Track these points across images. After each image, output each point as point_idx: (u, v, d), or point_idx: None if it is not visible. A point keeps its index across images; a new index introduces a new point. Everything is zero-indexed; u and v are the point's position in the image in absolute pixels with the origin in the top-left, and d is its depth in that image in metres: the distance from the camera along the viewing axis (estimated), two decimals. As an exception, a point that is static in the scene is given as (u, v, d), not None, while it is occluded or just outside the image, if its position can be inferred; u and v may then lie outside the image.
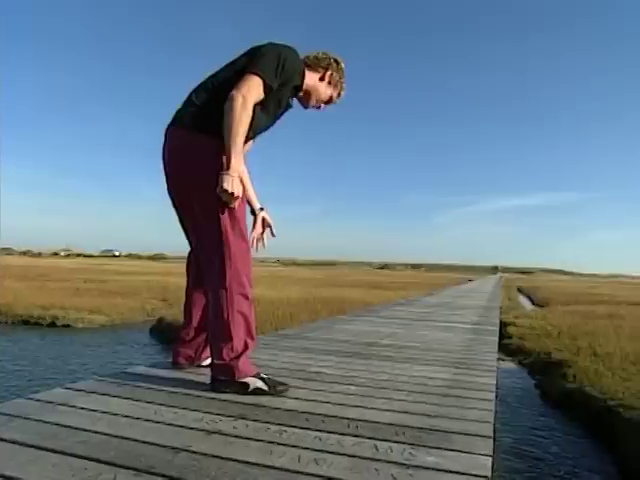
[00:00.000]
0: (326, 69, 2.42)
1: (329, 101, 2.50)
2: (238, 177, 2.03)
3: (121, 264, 73.36)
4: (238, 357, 2.08)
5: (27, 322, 11.92)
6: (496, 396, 2.32)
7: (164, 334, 10.59)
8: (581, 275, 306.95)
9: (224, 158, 2.04)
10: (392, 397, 2.14)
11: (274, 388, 2.09)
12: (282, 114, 2.43)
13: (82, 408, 1.74)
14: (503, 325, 10.95)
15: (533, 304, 26.23)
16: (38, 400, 1.81)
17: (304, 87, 2.39)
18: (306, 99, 2.44)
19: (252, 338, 2.18)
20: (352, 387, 2.31)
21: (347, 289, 22.87)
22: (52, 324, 11.78)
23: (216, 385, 2.09)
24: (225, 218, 2.12)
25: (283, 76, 2.17)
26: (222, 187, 2.00)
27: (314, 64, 2.42)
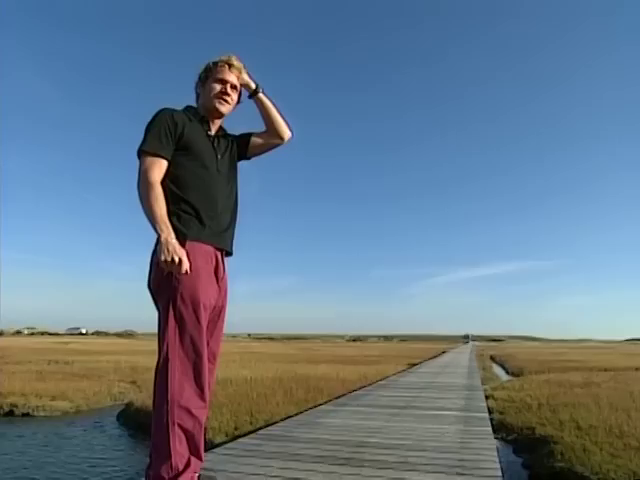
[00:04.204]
0: (195, 86, 2.47)
1: (221, 81, 2.38)
2: (171, 242, 1.95)
3: (88, 342, 70.68)
4: (177, 476, 1.92)
5: (-19, 412, 11.11)
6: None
7: (133, 420, 10.03)
8: (550, 341, 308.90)
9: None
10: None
11: None
12: (222, 143, 2.41)
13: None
14: (483, 399, 10.74)
15: (507, 373, 26.03)
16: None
17: (203, 112, 2.39)
18: (216, 112, 2.40)
19: (198, 457, 2.03)
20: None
21: (321, 365, 22.34)
22: (10, 413, 11.02)
23: None
24: (172, 329, 2.01)
25: (170, 132, 2.16)
26: (160, 260, 1.94)
27: (196, 95, 2.47)
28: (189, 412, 1.98)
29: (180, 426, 1.95)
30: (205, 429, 2.13)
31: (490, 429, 4.56)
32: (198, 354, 2.03)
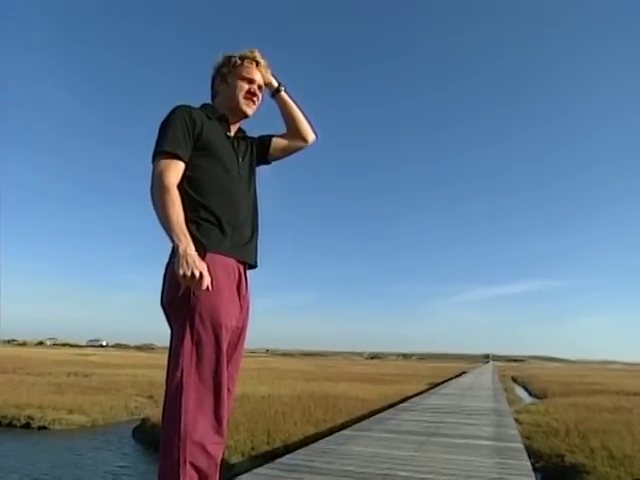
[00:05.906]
0: (213, 81, 2.21)
1: (249, 80, 2.15)
2: (191, 254, 1.68)
3: (107, 354, 71.14)
4: None
5: None
6: None
7: (148, 436, 9.87)
8: (572, 362, 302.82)
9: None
10: None
11: None
12: (242, 145, 2.15)
13: None
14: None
15: (530, 395, 25.45)
16: None
17: (223, 111, 2.13)
18: (241, 113, 2.16)
19: None
20: None
21: (340, 383, 22.04)
22: (27, 425, 10.94)
23: None
24: (187, 353, 1.74)
25: (188, 131, 1.92)
26: (178, 274, 1.66)
27: (213, 91, 2.22)
28: (203, 449, 1.70)
29: (193, 465, 1.67)
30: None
31: (528, 463, 4.17)
32: (217, 382, 1.77)
